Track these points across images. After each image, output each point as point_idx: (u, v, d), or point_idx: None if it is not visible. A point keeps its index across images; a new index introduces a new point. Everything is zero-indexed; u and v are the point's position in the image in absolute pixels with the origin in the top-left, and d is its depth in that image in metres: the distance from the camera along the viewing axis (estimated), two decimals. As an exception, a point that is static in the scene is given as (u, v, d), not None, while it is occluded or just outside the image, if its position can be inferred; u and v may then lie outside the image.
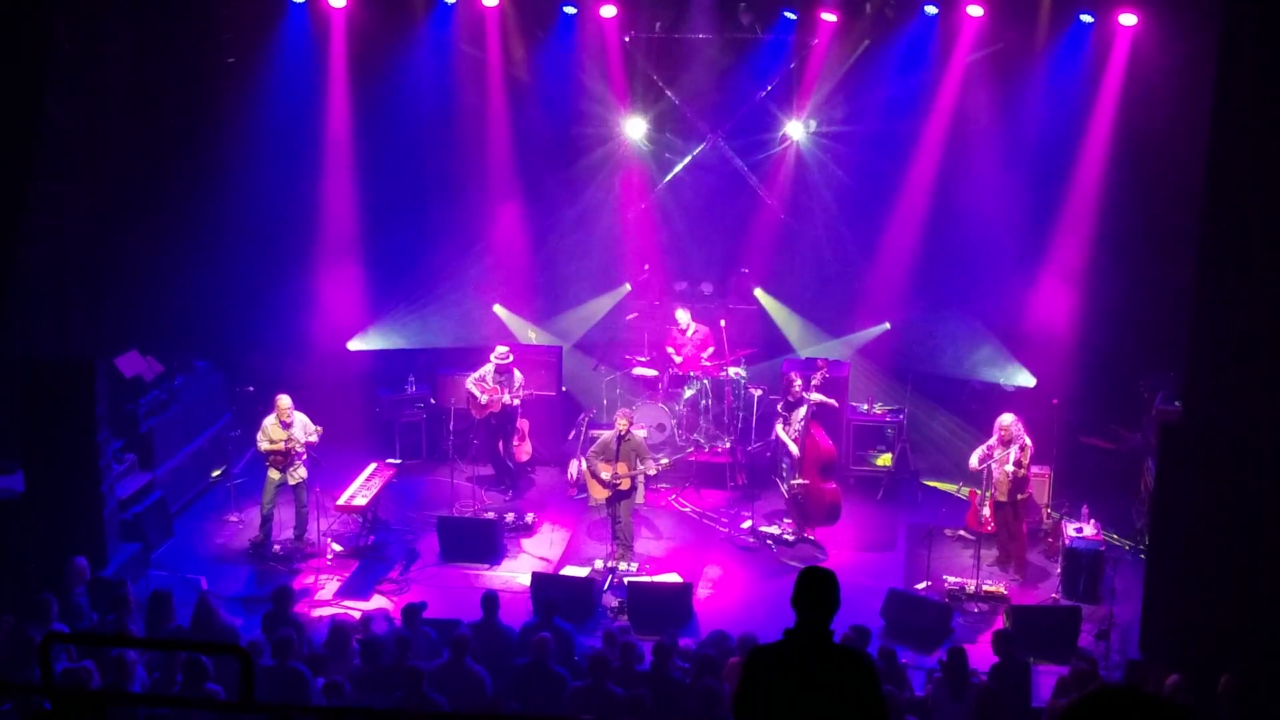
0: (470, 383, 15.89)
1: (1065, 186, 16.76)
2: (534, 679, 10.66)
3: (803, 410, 14.62)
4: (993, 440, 14.06)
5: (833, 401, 14.95)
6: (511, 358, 15.95)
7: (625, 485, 14.30)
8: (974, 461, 14.18)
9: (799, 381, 14.79)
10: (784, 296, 18.36)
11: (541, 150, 18.22)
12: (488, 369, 15.86)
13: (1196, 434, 11.69)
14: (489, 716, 9.40)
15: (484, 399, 15.73)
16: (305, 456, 14.59)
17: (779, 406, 15.15)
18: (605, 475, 14.25)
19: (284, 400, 14.49)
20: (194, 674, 10.01)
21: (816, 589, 5.84)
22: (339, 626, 11.43)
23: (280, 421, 14.43)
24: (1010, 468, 13.78)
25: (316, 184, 17.78)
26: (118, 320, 16.43)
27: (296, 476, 14.54)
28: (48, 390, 13.11)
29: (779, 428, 15.02)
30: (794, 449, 14.70)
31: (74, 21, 15.14)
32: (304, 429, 14.52)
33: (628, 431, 14.29)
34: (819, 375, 15.03)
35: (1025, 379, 16.97)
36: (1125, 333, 16.71)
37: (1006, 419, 14.00)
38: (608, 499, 14.37)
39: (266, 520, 14.59)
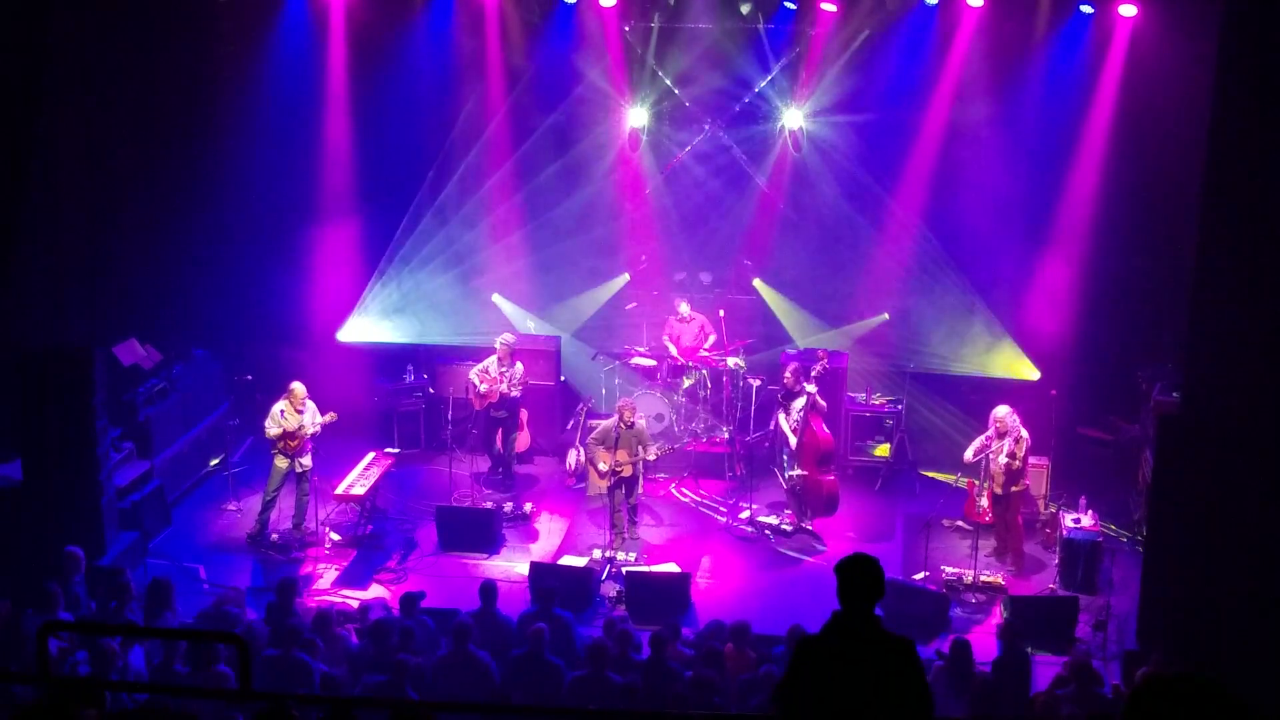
0: (473, 374, 15.87)
1: (1064, 177, 16.75)
2: (530, 670, 10.68)
3: (801, 401, 14.62)
4: (989, 432, 14.07)
5: (822, 403, 14.88)
6: (515, 344, 15.93)
7: (627, 472, 14.32)
8: (969, 455, 14.19)
9: (789, 372, 14.79)
10: (783, 286, 18.34)
11: (540, 140, 18.18)
12: (491, 360, 15.84)
13: (1195, 425, 11.69)
14: (481, 705, 9.41)
15: (483, 388, 15.71)
16: (312, 445, 14.61)
17: (779, 396, 15.15)
18: (603, 465, 14.27)
19: (299, 387, 14.48)
20: (205, 656, 10.06)
21: (856, 576, 5.87)
22: (323, 614, 11.43)
23: (294, 408, 14.43)
24: (1004, 459, 13.79)
25: (314, 173, 17.76)
26: (116, 308, 16.41)
27: (303, 464, 14.56)
28: (46, 378, 13.11)
29: (780, 417, 15.02)
30: (792, 439, 14.71)
31: (72, 11, 15.10)
32: (313, 416, 14.54)
33: (631, 422, 14.30)
34: (819, 366, 15.03)
35: (1027, 370, 16.97)
36: (1123, 324, 16.72)
37: (1001, 411, 14.00)
38: (609, 486, 14.39)
39: (268, 506, 14.58)
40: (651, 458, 14.58)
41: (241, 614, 11.80)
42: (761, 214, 18.46)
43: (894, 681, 5.76)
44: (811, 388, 14.59)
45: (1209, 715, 4.27)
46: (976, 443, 14.17)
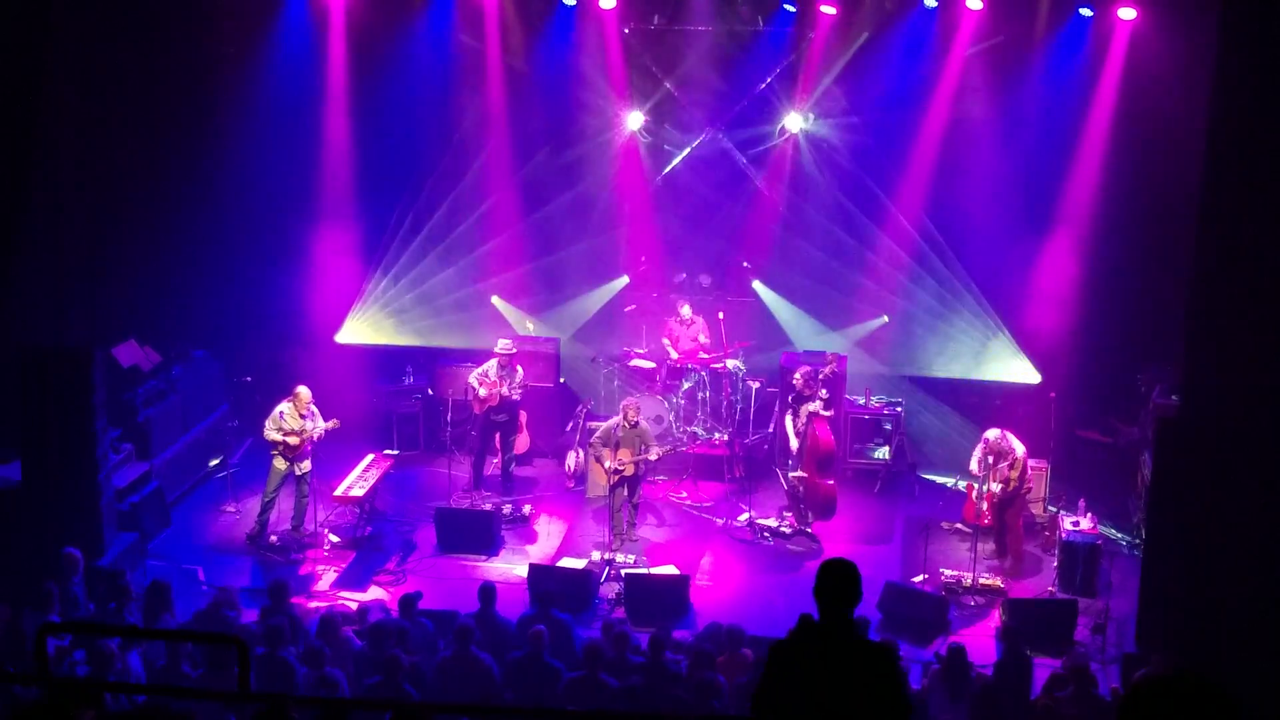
0: (473, 377, 15.83)
1: (1063, 180, 16.76)
2: (529, 671, 10.68)
3: (812, 405, 14.56)
4: (984, 449, 14.08)
5: (829, 412, 14.84)
6: (515, 349, 15.90)
7: (630, 471, 14.34)
8: (974, 466, 14.19)
9: (800, 375, 14.76)
10: (782, 289, 18.35)
11: (540, 142, 18.19)
12: (491, 364, 15.80)
13: (1194, 428, 11.69)
14: (479, 706, 9.40)
15: (484, 392, 15.67)
16: (311, 448, 14.61)
17: (789, 398, 15.08)
18: (608, 464, 14.29)
19: (305, 392, 14.45)
20: (219, 659, 10.08)
21: (836, 581, 5.85)
22: (328, 618, 11.43)
23: (299, 413, 14.42)
24: (997, 486, 13.80)
25: (314, 174, 17.77)
26: (115, 310, 16.42)
27: (302, 467, 14.55)
28: (45, 379, 13.09)
29: (787, 419, 14.99)
30: (794, 442, 14.70)
31: (72, 12, 15.12)
32: (316, 422, 14.54)
33: (635, 421, 14.33)
34: (829, 369, 15.03)
35: (1027, 373, 16.97)
36: (1123, 326, 16.71)
37: (992, 434, 13.98)
38: (612, 485, 14.40)
39: (267, 508, 14.56)
40: (653, 458, 14.58)
41: (237, 615, 11.78)
42: (761, 216, 18.47)
43: (872, 686, 5.72)
44: (822, 395, 14.53)
45: (1205, 714, 4.27)
46: (978, 452, 14.16)
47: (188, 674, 10.61)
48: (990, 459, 13.93)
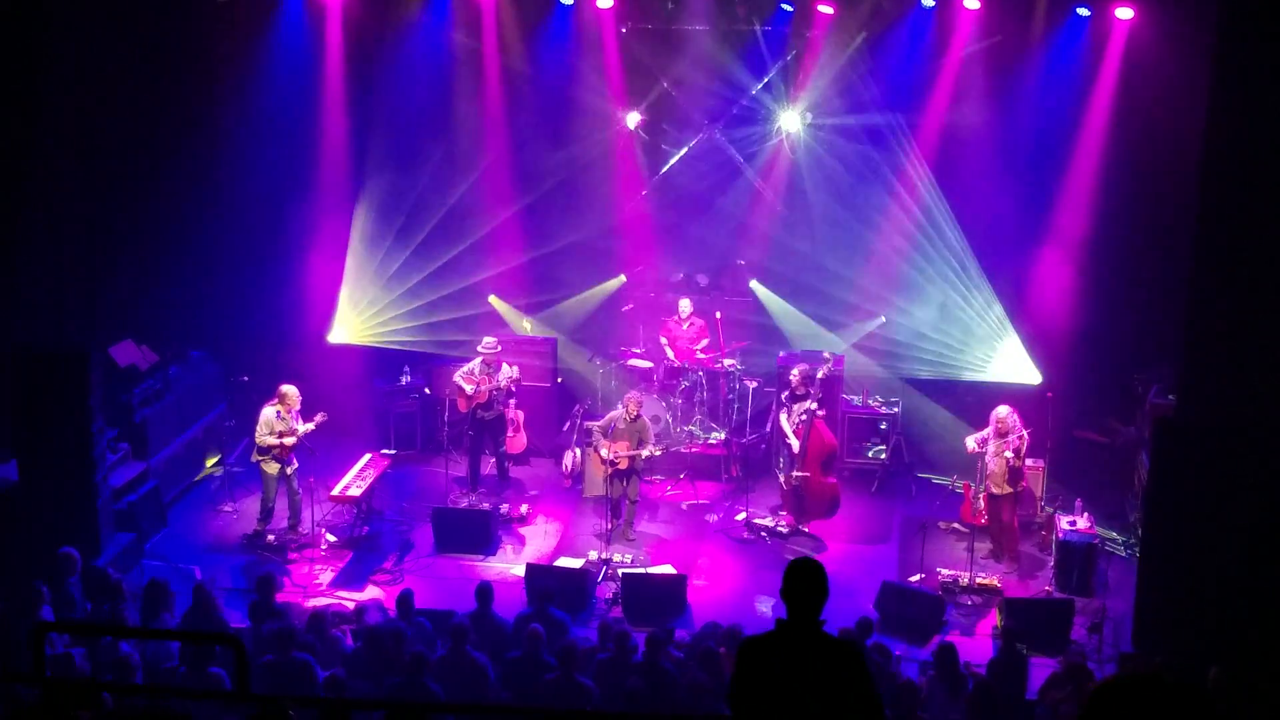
0: (458, 376, 15.82)
1: (1061, 180, 16.73)
2: (526, 671, 10.67)
3: (808, 404, 14.57)
4: (988, 430, 14.07)
5: (822, 412, 14.85)
6: (499, 348, 15.89)
7: (623, 465, 14.34)
8: (971, 444, 14.16)
9: (798, 374, 14.77)
10: (779, 288, 18.33)
11: (537, 141, 18.18)
12: (475, 363, 15.80)
13: (1191, 428, 11.70)
14: (480, 705, 9.40)
15: (470, 389, 15.65)
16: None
17: (783, 396, 15.09)
18: (605, 453, 14.31)
19: (292, 390, 14.45)
20: (198, 659, 10.06)
21: (804, 580, 5.84)
22: (317, 615, 11.42)
23: (290, 410, 14.40)
24: (1009, 454, 13.78)
25: (311, 175, 17.74)
26: (113, 310, 16.40)
27: (291, 467, 14.56)
28: (42, 380, 13.09)
29: (782, 417, 15.00)
30: (794, 442, 14.70)
31: (70, 13, 15.11)
32: (303, 420, 14.55)
33: (637, 415, 14.35)
34: (826, 368, 15.05)
35: (1025, 373, 16.96)
36: (1120, 326, 16.70)
37: (1002, 410, 14.00)
38: (608, 477, 14.41)
39: (268, 515, 14.59)
40: (646, 454, 14.57)
41: (214, 605, 11.75)
42: (758, 215, 18.46)
43: (840, 685, 5.71)
44: (814, 403, 14.54)
45: (1166, 713, 4.27)
46: (977, 435, 14.17)
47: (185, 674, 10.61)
48: (997, 436, 13.91)
